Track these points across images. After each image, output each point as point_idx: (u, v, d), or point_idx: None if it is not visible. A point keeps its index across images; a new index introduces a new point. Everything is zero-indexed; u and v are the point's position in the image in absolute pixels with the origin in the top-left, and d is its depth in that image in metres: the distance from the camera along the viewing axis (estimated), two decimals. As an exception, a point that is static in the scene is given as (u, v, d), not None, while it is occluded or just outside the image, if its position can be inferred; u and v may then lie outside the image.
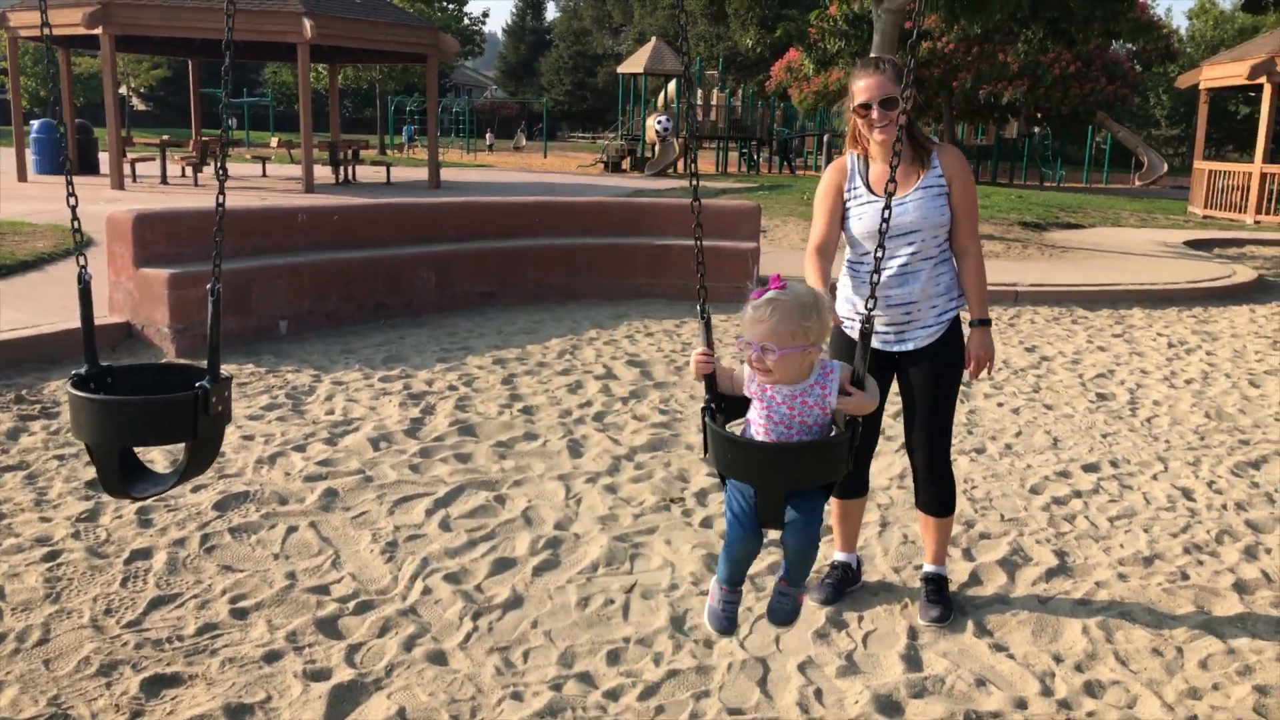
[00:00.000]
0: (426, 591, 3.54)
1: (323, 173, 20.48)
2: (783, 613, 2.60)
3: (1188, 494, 4.67)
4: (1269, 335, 8.58)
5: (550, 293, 8.90)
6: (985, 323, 3.32)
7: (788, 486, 2.33)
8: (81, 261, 2.37)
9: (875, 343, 3.30)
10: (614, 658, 3.19)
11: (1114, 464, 5.04)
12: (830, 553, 3.75)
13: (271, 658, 3.09)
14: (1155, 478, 4.88)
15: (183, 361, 2.55)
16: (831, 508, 3.61)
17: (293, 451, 4.81)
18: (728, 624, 2.59)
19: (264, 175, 21.81)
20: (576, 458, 4.92)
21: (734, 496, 2.44)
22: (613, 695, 2.98)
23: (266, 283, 7.01)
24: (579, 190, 20.00)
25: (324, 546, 3.87)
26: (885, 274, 3.21)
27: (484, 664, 3.11)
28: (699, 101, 32.50)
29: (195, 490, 4.28)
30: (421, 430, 5.20)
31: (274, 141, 26.56)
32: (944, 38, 22.97)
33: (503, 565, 3.77)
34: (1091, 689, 3.07)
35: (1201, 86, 21.81)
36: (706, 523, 4.21)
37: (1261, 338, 8.44)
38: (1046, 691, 3.05)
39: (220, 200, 2.33)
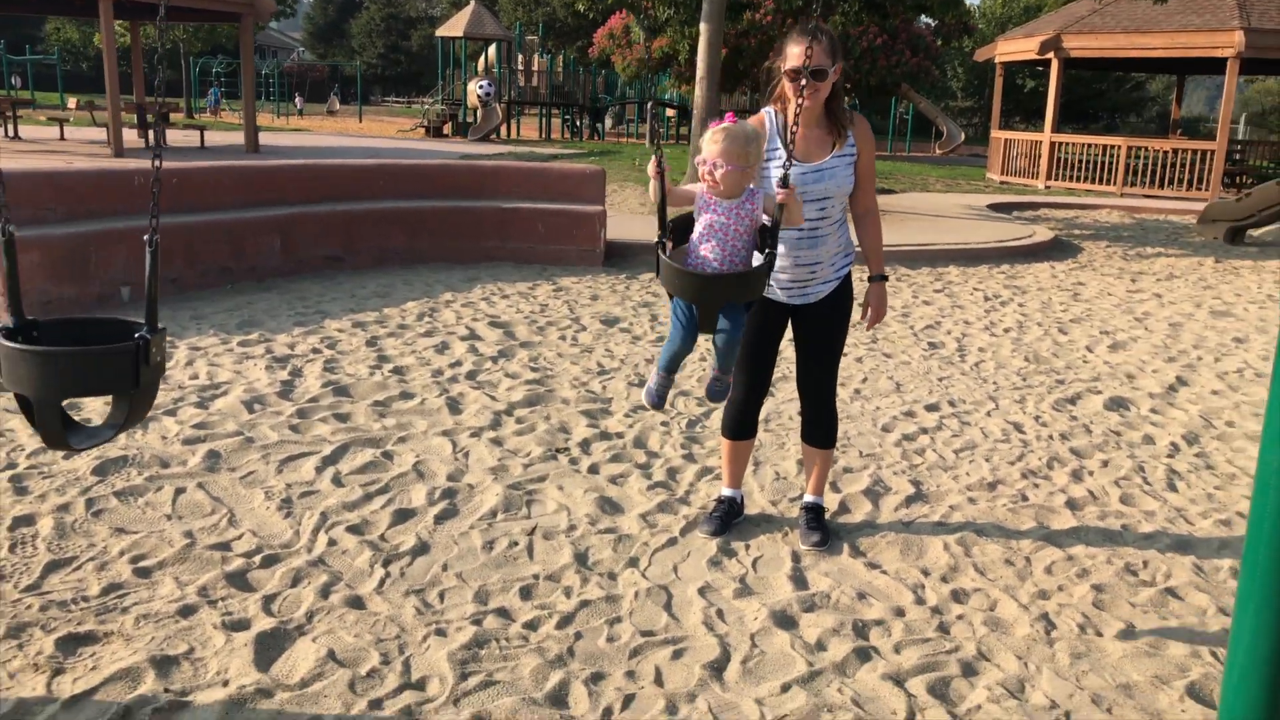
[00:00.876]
0: (332, 543, 3.60)
1: (128, 136, 19.36)
2: (718, 393, 3.24)
3: (1019, 427, 5.18)
4: (1069, 288, 9.42)
5: (396, 256, 8.85)
6: (883, 278, 3.62)
7: (721, 303, 2.96)
8: (6, 216, 2.33)
9: (781, 297, 3.55)
10: (526, 593, 3.35)
11: (952, 404, 5.53)
12: (719, 488, 4.01)
13: (186, 612, 3.10)
14: (989, 415, 5.38)
15: (109, 316, 2.53)
16: (723, 449, 3.86)
17: (164, 416, 4.72)
18: (660, 400, 3.25)
19: (62, 139, 20.44)
20: (456, 414, 5.01)
21: (679, 306, 3.09)
22: (531, 626, 3.15)
23: (105, 248, 6.71)
24: (405, 155, 19.66)
25: (216, 506, 3.86)
26: (796, 235, 3.44)
27: (403, 606, 3.22)
28: (520, 67, 32.34)
29: (68, 457, 4.16)
30: (294, 393, 5.18)
31: (73, 103, 24.89)
32: (762, 9, 23.65)
33: (403, 516, 3.86)
34: (957, 596, 3.44)
35: (997, 60, 23.29)
36: (593, 469, 4.40)
37: (1063, 290, 9.27)
38: (919, 601, 3.40)
39: (157, 158, 2.34)
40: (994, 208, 15.85)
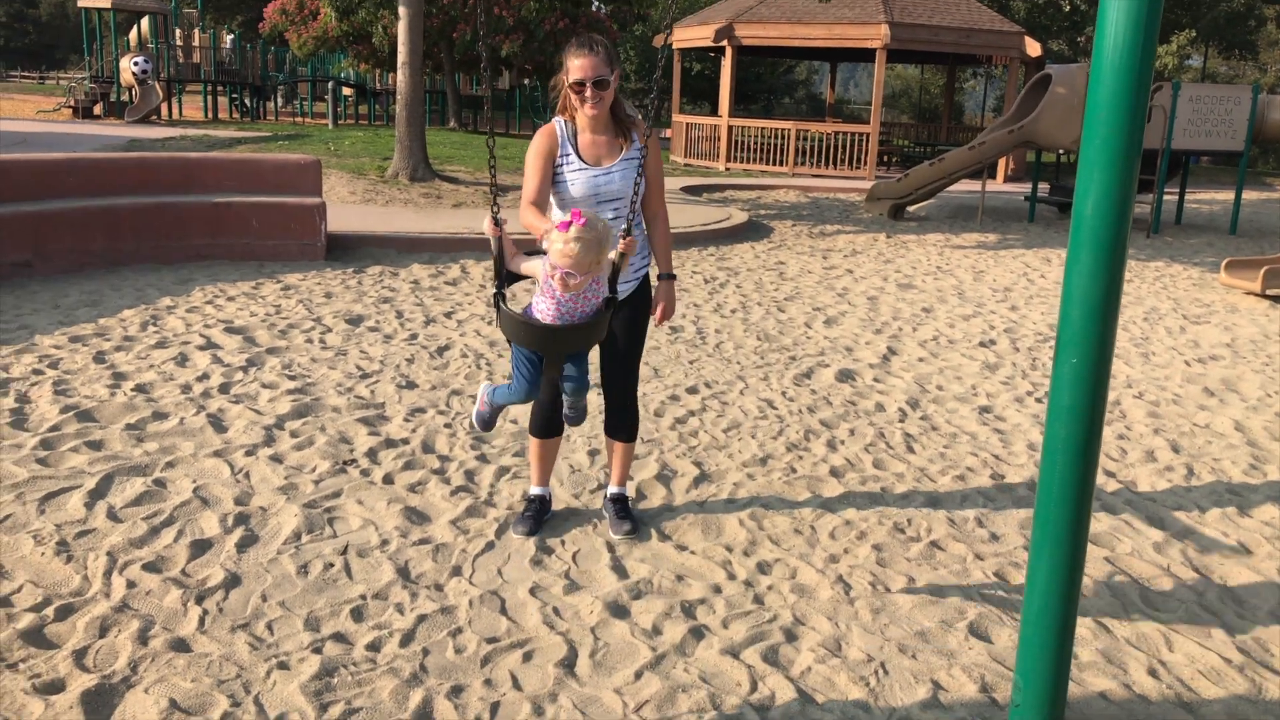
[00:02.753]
0: (131, 585, 3.35)
1: None
2: (578, 419, 3.49)
3: (771, 404, 5.62)
4: (773, 268, 10.18)
5: (96, 259, 8.11)
6: (672, 276, 3.81)
7: (568, 352, 3.14)
8: None
9: (588, 296, 3.67)
10: (358, 614, 3.29)
11: (708, 385, 5.89)
12: (521, 488, 4.09)
13: (-15, 681, 2.81)
14: (742, 393, 5.79)
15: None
16: (531, 448, 3.94)
17: (-123, 460, 4.14)
18: (490, 427, 3.58)
19: None
20: (223, 432, 4.74)
21: (521, 358, 3.21)
22: (374, 647, 3.11)
23: None
24: (58, 141, 17.81)
25: (-22, 558, 3.47)
26: None
27: (232, 643, 3.07)
28: (178, 42, 30.03)
29: None
30: (28, 421, 4.69)
31: None
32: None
33: (200, 547, 3.64)
34: (762, 568, 3.74)
35: (674, 46, 24.40)
36: (388, 479, 4.34)
37: (769, 270, 10.01)
38: (731, 576, 3.67)
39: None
40: (686, 190, 16.70)
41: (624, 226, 3.19)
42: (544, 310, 3.14)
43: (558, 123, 3.64)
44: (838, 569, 3.76)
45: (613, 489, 4.04)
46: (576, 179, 3.57)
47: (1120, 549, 4.03)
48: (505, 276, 3.18)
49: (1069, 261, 2.50)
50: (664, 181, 3.82)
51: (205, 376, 5.52)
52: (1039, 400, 5.98)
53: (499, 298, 3.13)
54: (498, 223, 3.07)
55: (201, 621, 3.17)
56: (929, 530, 4.13)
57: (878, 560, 3.85)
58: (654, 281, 3.78)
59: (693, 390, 5.78)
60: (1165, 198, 15.81)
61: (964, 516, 4.27)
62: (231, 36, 32.63)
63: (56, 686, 2.80)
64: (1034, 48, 21.77)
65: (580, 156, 3.59)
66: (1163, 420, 5.71)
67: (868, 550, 3.92)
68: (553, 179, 3.60)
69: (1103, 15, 2.36)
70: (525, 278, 3.24)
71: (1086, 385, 2.50)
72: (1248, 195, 21.50)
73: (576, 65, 3.46)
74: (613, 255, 3.14)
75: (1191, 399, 6.16)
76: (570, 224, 2.92)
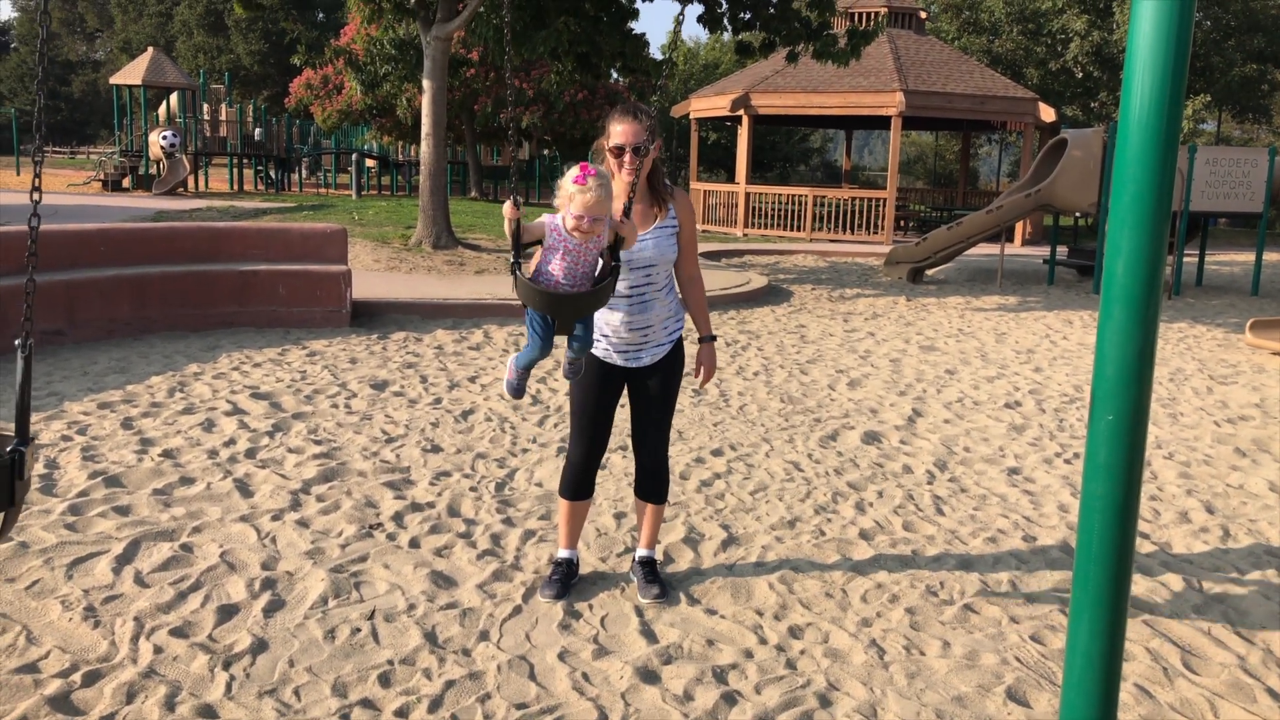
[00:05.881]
0: (158, 650, 3.33)
1: None
2: (574, 372, 3.51)
3: (797, 466, 5.59)
4: (794, 331, 10.20)
5: (123, 327, 8.20)
6: (712, 338, 3.84)
7: (577, 317, 3.33)
8: None
9: (617, 360, 3.69)
10: (385, 680, 3.26)
11: (733, 448, 5.87)
12: (547, 550, 4.06)
13: (13, 749, 2.78)
14: (768, 455, 5.76)
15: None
16: (561, 510, 3.92)
17: (-93, 526, 4.15)
18: (520, 391, 3.52)
19: None
20: (249, 497, 4.75)
21: (535, 318, 3.38)
22: (402, 714, 3.07)
23: None
24: (87, 213, 18.14)
25: (6, 624, 3.46)
26: (626, 301, 3.60)
27: (259, 709, 3.04)
28: (206, 116, 30.68)
29: None
30: (57, 487, 4.71)
31: None
32: (473, 68, 23.87)
33: (227, 612, 3.62)
34: (794, 632, 3.69)
35: (691, 116, 24.77)
36: (414, 543, 4.32)
37: (790, 333, 10.02)
38: (762, 641, 3.62)
39: (33, 227, 2.15)
40: (705, 255, 16.81)
41: (627, 214, 3.38)
42: (554, 269, 3.29)
43: None
44: (871, 633, 3.70)
45: (641, 552, 4.01)
46: (608, 244, 3.60)
47: (1159, 611, 3.95)
48: (520, 248, 3.37)
49: (1102, 318, 2.49)
50: (697, 248, 3.86)
51: (232, 442, 5.54)
52: (1068, 461, 5.91)
53: (515, 266, 3.33)
54: (516, 205, 3.27)
55: (229, 687, 3.14)
56: (962, 593, 4.07)
57: (911, 624, 3.78)
58: (688, 345, 3.80)
59: (718, 453, 5.75)
60: (1185, 260, 15.79)
61: (997, 579, 4.21)
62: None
63: (83, 754, 2.77)
64: (1048, 113, 21.97)
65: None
66: (1195, 481, 5.64)
67: (900, 614, 3.86)
68: None
69: (1129, 73, 2.38)
70: (537, 243, 3.41)
71: (1123, 442, 2.48)
72: (1268, 256, 21.46)
73: (619, 131, 3.51)
74: (615, 225, 3.33)
75: (1223, 459, 6.08)
76: (585, 176, 3.20)
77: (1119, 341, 2.46)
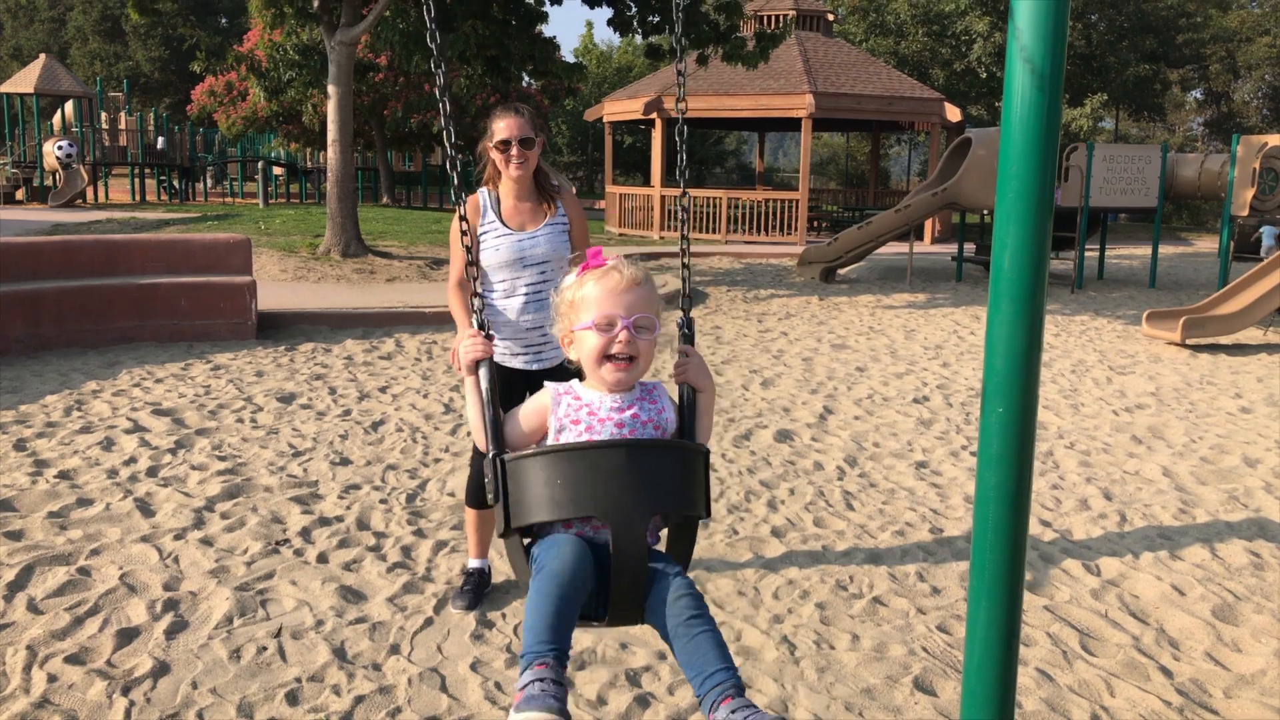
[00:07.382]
0: (52, 679, 3.21)
1: None
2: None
3: (711, 466, 5.61)
4: (710, 332, 10.28)
5: (14, 345, 7.91)
6: None
7: (658, 508, 1.84)
8: None
9: (517, 364, 3.66)
10: (293, 698, 3.19)
11: (647, 451, 5.87)
12: (460, 561, 4.02)
13: (-106, 789, 2.66)
14: (681, 458, 5.77)
15: None
16: (468, 520, 3.89)
17: None
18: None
19: None
20: (150, 516, 4.61)
21: (553, 556, 1.84)
22: (311, 732, 3.01)
23: None
24: (-16, 227, 17.46)
25: (-112, 658, 3.31)
26: (520, 301, 3.58)
27: (160, 736, 2.96)
28: (104, 125, 29.77)
29: None
30: (-57, 512, 4.52)
31: None
32: (380, 73, 23.57)
33: (127, 636, 3.52)
34: (706, 632, 3.71)
35: (605, 120, 24.79)
36: (323, 558, 4.24)
37: (706, 335, 10.10)
38: (675, 641, 3.63)
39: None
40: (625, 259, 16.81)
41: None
42: (588, 422, 2.03)
43: (481, 192, 3.71)
44: (782, 629, 3.74)
45: (553, 558, 3.96)
46: (500, 244, 3.59)
47: (1059, 597, 4.06)
48: (503, 482, 2.00)
49: (990, 313, 2.55)
50: (589, 241, 3.86)
51: (132, 460, 5.38)
52: (973, 454, 6.05)
53: (497, 459, 2.00)
54: (484, 330, 2.13)
55: (128, 714, 3.05)
56: (871, 586, 4.13)
57: (821, 619, 3.83)
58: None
59: (632, 456, 5.76)
60: (1087, 254, 16.29)
61: (905, 571, 4.29)
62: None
63: (-29, 790, 2.67)
64: (954, 113, 22.49)
65: (504, 222, 3.62)
66: (1094, 469, 5.81)
67: (811, 609, 3.91)
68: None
69: (1009, 72, 2.45)
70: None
71: (1014, 433, 2.54)
72: (1164, 250, 22.26)
73: (502, 125, 3.52)
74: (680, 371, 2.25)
75: (1121, 447, 6.29)
76: (599, 259, 2.09)
77: (1007, 335, 2.52)
